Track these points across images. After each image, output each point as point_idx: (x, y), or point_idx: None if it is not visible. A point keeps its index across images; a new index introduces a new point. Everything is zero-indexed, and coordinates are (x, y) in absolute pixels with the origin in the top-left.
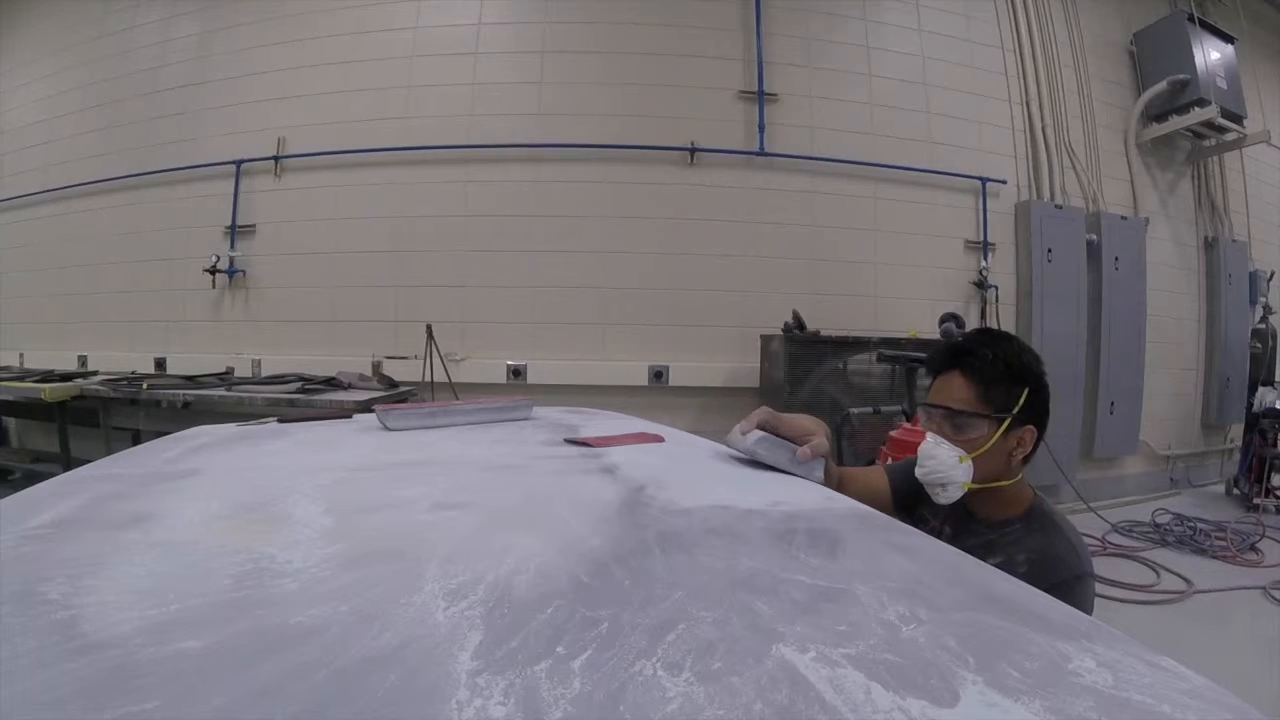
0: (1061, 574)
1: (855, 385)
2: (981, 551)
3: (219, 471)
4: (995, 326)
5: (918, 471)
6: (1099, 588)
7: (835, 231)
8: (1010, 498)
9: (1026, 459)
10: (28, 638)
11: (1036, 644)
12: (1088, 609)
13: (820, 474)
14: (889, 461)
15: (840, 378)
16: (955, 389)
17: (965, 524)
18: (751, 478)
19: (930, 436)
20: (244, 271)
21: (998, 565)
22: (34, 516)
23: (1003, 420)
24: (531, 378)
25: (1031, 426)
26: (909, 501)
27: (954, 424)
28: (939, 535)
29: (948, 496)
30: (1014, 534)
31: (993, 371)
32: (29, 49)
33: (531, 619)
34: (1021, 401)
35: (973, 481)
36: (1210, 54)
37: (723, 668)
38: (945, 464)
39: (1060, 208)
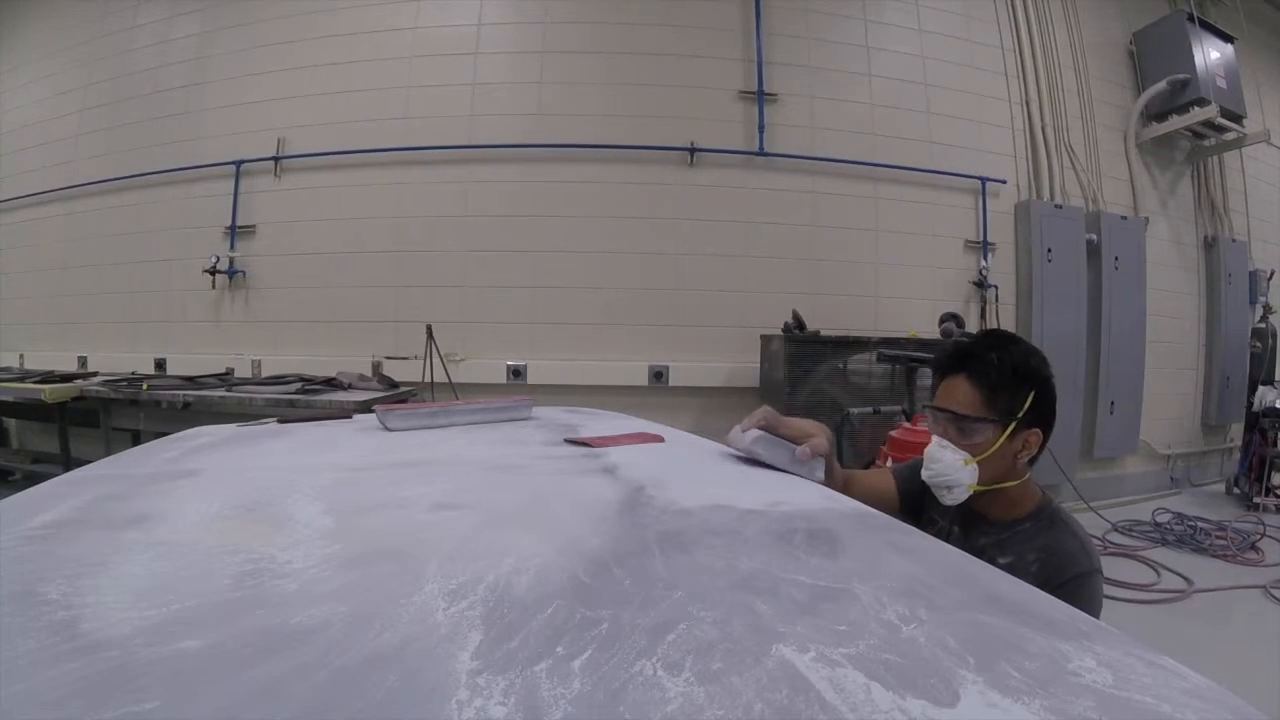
0: (1073, 570)
1: (855, 385)
2: (993, 550)
3: (219, 472)
4: (995, 326)
5: (924, 474)
6: None
7: (835, 231)
8: (1018, 497)
9: (1032, 460)
10: (28, 638)
11: (1036, 644)
12: (1098, 604)
13: (821, 474)
14: (889, 461)
15: (840, 378)
16: (961, 393)
17: (974, 524)
18: (751, 478)
19: (935, 440)
20: (244, 272)
21: (1009, 564)
22: (34, 516)
23: (1008, 424)
24: (531, 378)
25: (1037, 429)
26: (916, 503)
27: (959, 428)
28: (947, 536)
29: (954, 498)
30: (1024, 533)
31: (999, 375)
32: (29, 49)
33: (531, 619)
34: (1027, 405)
35: (978, 483)
36: (1210, 54)
37: (723, 668)
38: (951, 467)
39: (1060, 207)
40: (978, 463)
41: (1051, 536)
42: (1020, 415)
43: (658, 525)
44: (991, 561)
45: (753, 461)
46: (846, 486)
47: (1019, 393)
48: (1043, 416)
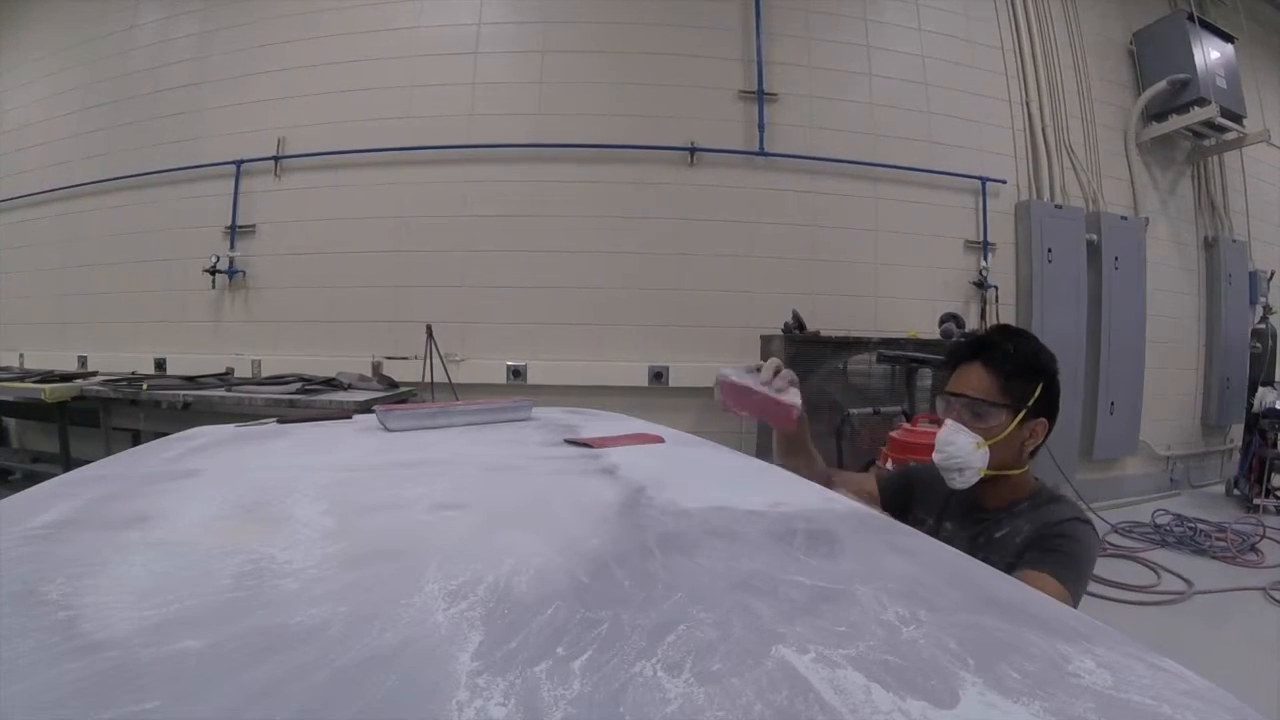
0: (1064, 516)
1: (855, 385)
2: (991, 528)
3: (219, 472)
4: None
5: (936, 456)
6: (1099, 588)
7: (835, 231)
8: (1016, 485)
9: (1034, 451)
10: (28, 638)
11: (1036, 645)
12: (1093, 552)
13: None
14: (889, 463)
15: (840, 378)
16: (976, 379)
17: (970, 513)
18: (751, 478)
19: (949, 423)
20: (244, 272)
21: (1004, 535)
22: (34, 516)
23: (1019, 411)
24: (531, 378)
25: (1044, 419)
26: (898, 504)
27: (973, 412)
28: (936, 533)
29: (964, 481)
30: (1020, 509)
31: (1013, 365)
32: (29, 49)
33: (532, 619)
34: (1037, 395)
35: (987, 468)
36: (1210, 53)
37: (723, 669)
38: (963, 449)
39: (1060, 208)
40: (989, 447)
41: (1045, 507)
42: (1030, 404)
43: (658, 526)
44: (988, 538)
45: (754, 462)
46: (828, 482)
47: (1030, 383)
48: (1049, 409)
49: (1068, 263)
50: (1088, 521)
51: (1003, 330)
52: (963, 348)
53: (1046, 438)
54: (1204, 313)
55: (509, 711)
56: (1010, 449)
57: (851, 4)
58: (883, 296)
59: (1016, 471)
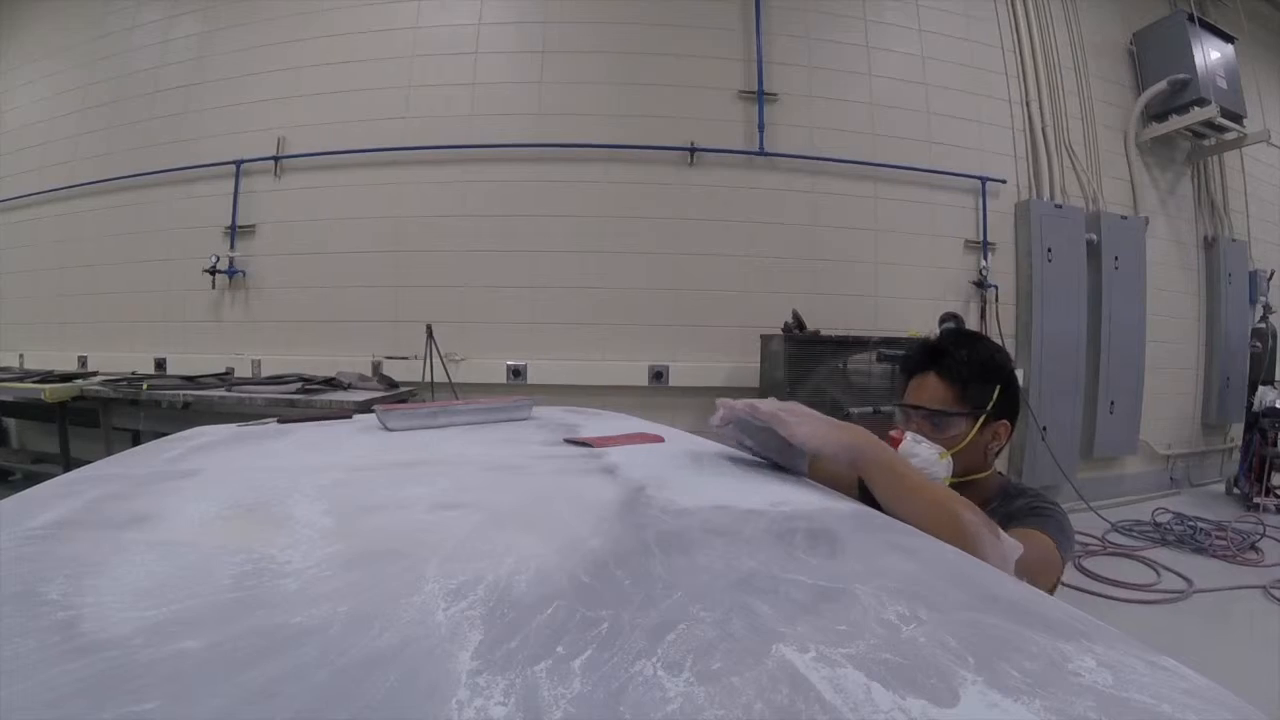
0: (1027, 501)
1: (855, 385)
2: None
3: (219, 471)
4: (995, 326)
5: None
6: (1099, 587)
7: (835, 231)
8: (984, 487)
9: (999, 450)
10: (28, 638)
11: (1037, 644)
12: (1069, 522)
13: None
14: None
15: (840, 378)
16: (933, 389)
17: None
18: (751, 478)
19: (910, 435)
20: (244, 272)
21: None
22: (34, 516)
23: (979, 417)
24: (531, 378)
25: (1005, 421)
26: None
27: (934, 423)
28: None
29: None
30: (992, 509)
31: (968, 371)
32: (29, 49)
33: (531, 619)
34: (995, 398)
35: (953, 476)
36: (1210, 54)
37: (723, 668)
38: (927, 461)
39: (1060, 207)
40: (952, 455)
41: (1015, 501)
42: (990, 408)
43: (658, 525)
44: None
45: (753, 462)
46: (811, 465)
47: (987, 387)
48: (1009, 409)
49: (1068, 262)
50: (1056, 504)
51: (954, 336)
52: (916, 357)
53: (1010, 437)
54: (1204, 312)
55: (509, 711)
56: (975, 454)
57: (851, 4)
58: (883, 296)
59: (983, 475)
